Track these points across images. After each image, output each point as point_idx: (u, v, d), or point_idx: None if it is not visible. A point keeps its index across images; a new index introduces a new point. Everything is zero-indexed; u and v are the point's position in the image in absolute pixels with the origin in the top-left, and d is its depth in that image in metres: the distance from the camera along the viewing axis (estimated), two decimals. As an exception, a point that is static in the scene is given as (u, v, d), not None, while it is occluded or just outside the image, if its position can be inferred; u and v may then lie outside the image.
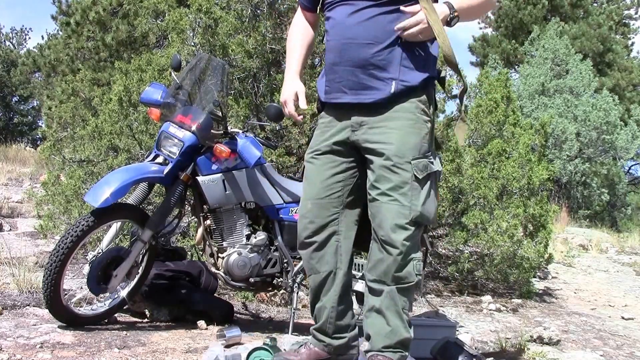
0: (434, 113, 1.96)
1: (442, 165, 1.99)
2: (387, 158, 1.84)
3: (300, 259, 2.83)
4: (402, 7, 1.81)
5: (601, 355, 3.26)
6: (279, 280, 2.90)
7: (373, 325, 1.87)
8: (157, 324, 2.84)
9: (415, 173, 1.83)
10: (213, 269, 2.87)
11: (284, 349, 2.45)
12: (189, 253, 3.59)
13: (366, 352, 1.91)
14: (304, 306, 3.46)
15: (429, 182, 1.87)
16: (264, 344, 2.16)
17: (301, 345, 2.10)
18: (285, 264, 2.88)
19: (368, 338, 1.90)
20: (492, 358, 2.94)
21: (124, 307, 2.81)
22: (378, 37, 1.84)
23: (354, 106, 1.90)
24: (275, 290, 3.16)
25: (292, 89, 2.08)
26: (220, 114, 2.78)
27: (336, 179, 1.95)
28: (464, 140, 2.01)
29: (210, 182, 2.72)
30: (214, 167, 2.74)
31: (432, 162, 1.88)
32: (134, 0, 7.64)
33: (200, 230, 2.81)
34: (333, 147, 1.95)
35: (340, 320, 1.99)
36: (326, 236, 1.96)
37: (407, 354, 1.87)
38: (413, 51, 1.86)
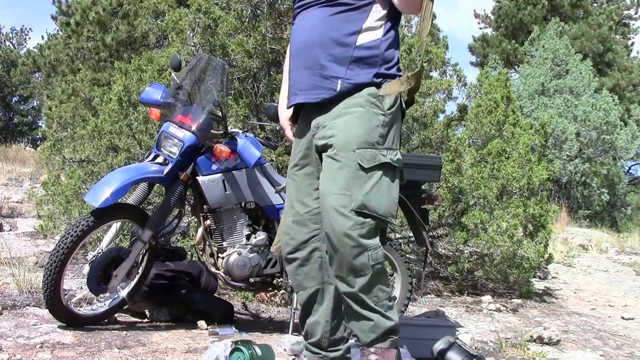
0: (396, 110, 1.88)
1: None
2: (333, 148, 1.83)
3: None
4: None
5: (601, 355, 3.26)
6: (279, 280, 2.90)
7: (354, 324, 1.85)
8: (157, 324, 2.84)
9: (359, 162, 1.79)
10: (213, 269, 2.87)
11: (284, 349, 2.46)
12: (189, 253, 3.59)
13: (358, 345, 1.91)
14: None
15: (379, 174, 1.81)
16: (235, 348, 2.16)
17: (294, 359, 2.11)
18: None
19: (354, 332, 1.89)
20: (492, 358, 2.94)
21: (124, 307, 2.81)
22: (328, 38, 1.86)
23: (310, 109, 1.93)
24: (275, 290, 3.16)
25: (286, 115, 2.12)
26: (220, 114, 2.78)
27: (315, 196, 1.93)
28: (385, 92, 1.87)
29: (210, 182, 2.73)
30: (214, 167, 2.74)
31: (383, 155, 1.82)
32: (134, 0, 7.64)
33: (200, 230, 2.82)
34: (305, 159, 1.96)
35: (334, 334, 1.98)
36: (308, 253, 1.95)
37: (397, 337, 1.86)
38: (363, 51, 1.85)
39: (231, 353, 2.12)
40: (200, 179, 2.72)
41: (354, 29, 1.86)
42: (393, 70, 1.90)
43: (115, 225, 2.67)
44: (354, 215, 1.76)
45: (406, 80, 1.85)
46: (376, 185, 1.80)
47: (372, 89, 1.85)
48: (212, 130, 2.76)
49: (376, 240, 1.81)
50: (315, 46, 1.87)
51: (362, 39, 1.86)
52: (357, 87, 1.85)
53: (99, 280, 2.54)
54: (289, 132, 2.12)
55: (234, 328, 2.60)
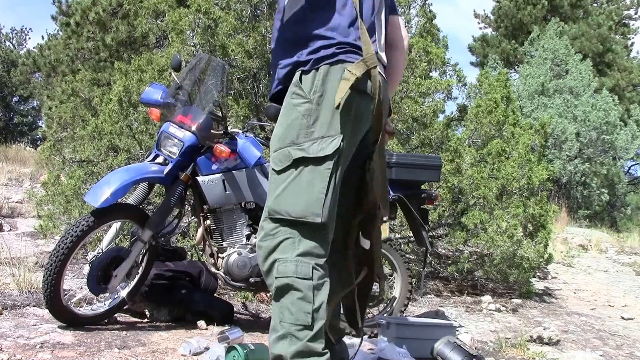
0: (331, 89, 1.65)
1: (338, 147, 1.63)
2: None
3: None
4: None
5: (601, 355, 3.26)
6: (279, 280, 2.90)
7: None
8: (157, 324, 2.84)
9: (273, 167, 1.66)
10: (213, 269, 2.87)
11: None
12: (189, 253, 3.59)
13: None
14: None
15: (295, 172, 1.62)
16: (231, 347, 2.17)
17: None
18: (285, 264, 2.88)
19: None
20: (492, 358, 2.94)
21: (124, 307, 2.81)
22: (274, 34, 1.85)
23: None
24: (275, 290, 3.16)
25: None
26: (220, 114, 2.79)
27: None
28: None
29: (210, 182, 2.73)
30: (214, 167, 2.74)
31: (300, 149, 1.62)
32: (134, 1, 7.64)
33: (200, 230, 2.82)
34: None
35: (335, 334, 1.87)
36: None
37: None
38: (285, 32, 1.77)
39: (227, 352, 2.14)
40: (200, 179, 2.72)
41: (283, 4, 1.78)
42: (333, 36, 1.69)
43: (115, 225, 2.67)
44: (268, 224, 1.63)
45: (350, 74, 1.63)
46: (290, 186, 1.62)
47: (296, 76, 1.70)
48: (212, 131, 2.76)
49: (288, 254, 1.59)
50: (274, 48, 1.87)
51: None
52: (292, 70, 1.73)
53: (99, 280, 2.54)
54: None
55: (241, 330, 2.58)
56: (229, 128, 2.82)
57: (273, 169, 1.66)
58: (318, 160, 1.62)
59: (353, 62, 1.66)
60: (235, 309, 3.25)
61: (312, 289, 1.58)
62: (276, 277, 1.59)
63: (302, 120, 1.65)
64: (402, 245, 4.39)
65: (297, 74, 1.70)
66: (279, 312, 1.60)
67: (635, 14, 18.49)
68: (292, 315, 1.57)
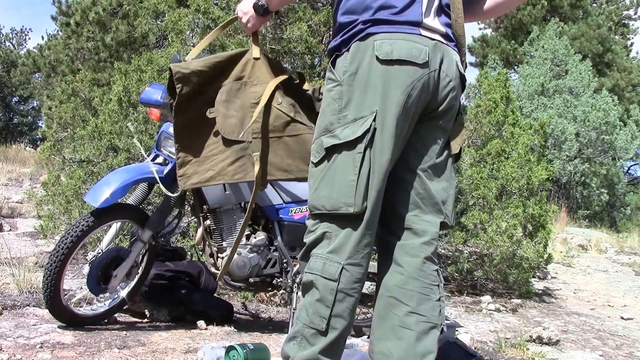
0: (361, 65, 1.51)
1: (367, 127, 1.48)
2: None
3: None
4: None
5: (600, 355, 3.27)
6: (278, 280, 2.90)
7: None
8: (157, 324, 2.84)
9: (312, 160, 1.57)
10: (213, 269, 2.87)
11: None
12: (189, 253, 3.59)
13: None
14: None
15: (330, 161, 1.52)
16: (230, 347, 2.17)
17: None
18: (284, 264, 2.89)
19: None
20: (491, 358, 2.95)
21: (124, 307, 2.81)
22: None
23: None
24: (275, 291, 3.16)
25: None
26: (220, 114, 2.78)
27: None
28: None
29: (210, 182, 2.72)
30: (214, 167, 2.74)
31: (331, 136, 1.51)
32: (134, 1, 7.65)
33: (200, 230, 2.82)
34: None
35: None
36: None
37: None
38: (336, 15, 1.62)
39: (227, 352, 2.14)
40: (200, 179, 2.72)
41: None
42: (354, 16, 1.54)
43: (115, 225, 2.68)
44: (309, 221, 1.56)
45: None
46: (325, 177, 1.52)
47: (331, 58, 1.61)
48: (211, 131, 2.76)
49: (321, 249, 1.51)
50: None
51: None
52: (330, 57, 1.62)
53: (99, 280, 2.54)
54: None
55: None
56: (228, 128, 2.81)
57: (312, 162, 1.57)
58: (350, 145, 1.48)
59: (383, 33, 1.50)
60: (234, 309, 3.25)
61: (335, 293, 1.47)
62: (305, 272, 1.52)
63: (334, 105, 1.53)
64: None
65: (332, 58, 1.61)
66: (299, 309, 1.53)
67: (635, 14, 18.53)
68: (308, 316, 1.49)
